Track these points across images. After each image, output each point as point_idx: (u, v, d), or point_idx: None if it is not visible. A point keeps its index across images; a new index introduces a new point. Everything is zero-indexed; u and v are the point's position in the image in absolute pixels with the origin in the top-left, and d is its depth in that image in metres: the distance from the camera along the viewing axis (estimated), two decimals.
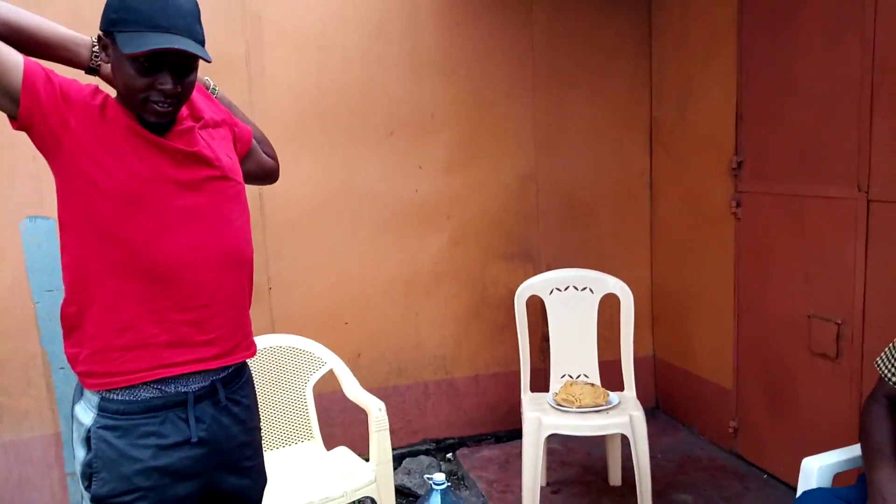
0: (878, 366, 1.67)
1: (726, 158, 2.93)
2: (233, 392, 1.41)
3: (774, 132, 2.68)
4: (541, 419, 2.49)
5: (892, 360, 1.63)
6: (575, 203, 3.39)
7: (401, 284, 3.16)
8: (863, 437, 1.61)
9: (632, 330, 2.73)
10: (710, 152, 3.04)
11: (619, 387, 2.74)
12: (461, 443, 3.27)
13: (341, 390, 2.44)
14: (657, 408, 3.56)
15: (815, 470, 1.71)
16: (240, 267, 1.40)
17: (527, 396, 2.72)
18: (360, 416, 2.31)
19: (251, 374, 1.51)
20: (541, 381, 2.93)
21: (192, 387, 1.32)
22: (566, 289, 2.87)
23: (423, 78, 3.08)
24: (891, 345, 1.66)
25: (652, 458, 2.95)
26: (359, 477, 2.19)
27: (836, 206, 2.41)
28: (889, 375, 1.62)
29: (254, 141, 1.56)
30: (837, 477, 1.73)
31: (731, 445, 3.05)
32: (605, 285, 2.82)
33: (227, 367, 1.39)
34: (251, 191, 2.94)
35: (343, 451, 2.42)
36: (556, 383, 2.81)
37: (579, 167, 3.37)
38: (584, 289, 2.86)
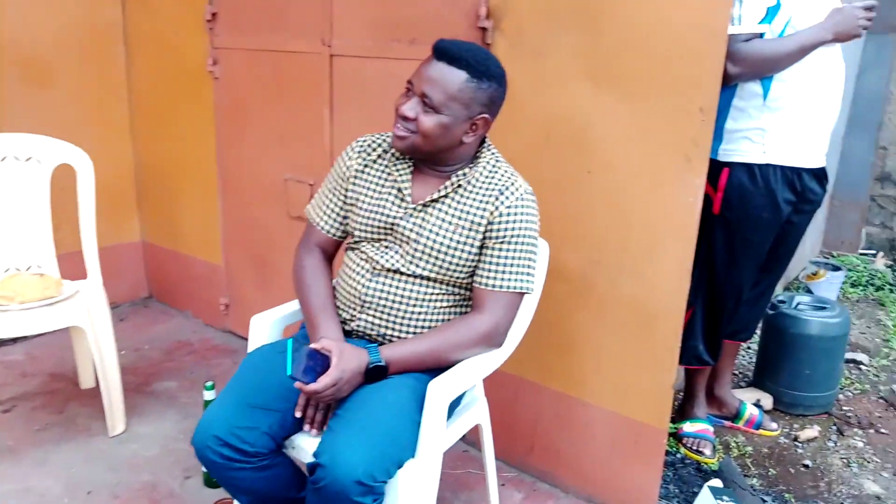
0: (309, 213, 1.62)
1: (200, 9, 2.61)
2: None
3: None
4: None
5: (323, 209, 1.59)
6: (26, 58, 2.66)
7: None
8: (300, 293, 1.55)
9: (93, 206, 2.27)
10: (183, 2, 2.67)
11: (84, 276, 2.29)
12: None
13: None
14: (150, 297, 3.20)
15: (269, 325, 1.63)
16: None
17: None
18: None
19: None
20: None
21: None
22: (3, 159, 2.24)
23: None
24: (319, 192, 1.62)
25: (138, 350, 2.70)
26: None
27: (305, 61, 2.33)
28: (318, 222, 1.59)
29: None
30: (288, 328, 1.68)
31: (223, 323, 2.92)
32: (57, 154, 2.27)
33: None
34: None
35: None
36: None
37: (29, 12, 2.63)
38: (29, 159, 2.27)
